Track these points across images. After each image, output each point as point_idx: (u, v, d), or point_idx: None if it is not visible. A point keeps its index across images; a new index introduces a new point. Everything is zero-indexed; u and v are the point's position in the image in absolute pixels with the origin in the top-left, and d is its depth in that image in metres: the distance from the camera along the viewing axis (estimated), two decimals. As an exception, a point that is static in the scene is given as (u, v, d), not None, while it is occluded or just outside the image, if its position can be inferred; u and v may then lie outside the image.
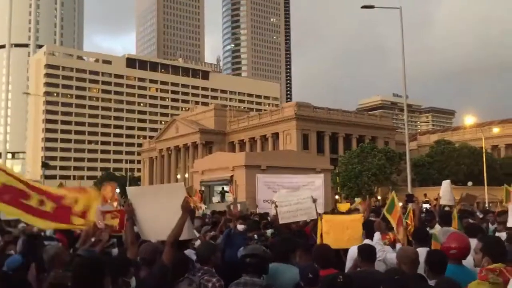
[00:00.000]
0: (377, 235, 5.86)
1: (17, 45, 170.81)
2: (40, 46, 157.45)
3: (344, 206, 17.07)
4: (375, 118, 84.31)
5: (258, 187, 11.59)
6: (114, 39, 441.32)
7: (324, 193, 11.55)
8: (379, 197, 27.89)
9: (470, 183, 46.38)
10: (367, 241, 5.83)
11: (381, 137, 78.66)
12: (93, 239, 6.09)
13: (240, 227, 8.66)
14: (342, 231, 6.08)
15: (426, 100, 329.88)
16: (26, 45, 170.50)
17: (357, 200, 24.34)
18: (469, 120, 60.45)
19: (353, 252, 5.64)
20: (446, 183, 13.39)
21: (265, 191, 10.75)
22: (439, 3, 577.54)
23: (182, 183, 7.30)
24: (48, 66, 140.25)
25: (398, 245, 6.15)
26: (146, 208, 4.92)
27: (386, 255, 5.51)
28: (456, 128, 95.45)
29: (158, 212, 4.79)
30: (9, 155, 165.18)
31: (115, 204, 16.15)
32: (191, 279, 4.29)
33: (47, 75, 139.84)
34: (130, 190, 5.30)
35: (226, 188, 55.81)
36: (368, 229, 6.10)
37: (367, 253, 4.87)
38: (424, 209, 10.54)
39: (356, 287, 3.65)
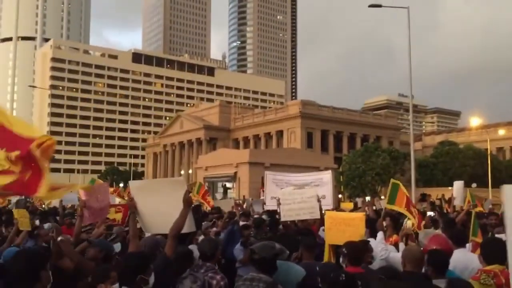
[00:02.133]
0: (380, 234, 5.84)
1: (23, 38, 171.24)
2: (46, 40, 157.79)
3: (347, 205, 17.04)
4: (380, 118, 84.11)
5: (266, 185, 11.53)
6: (121, 34, 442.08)
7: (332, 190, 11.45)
8: (382, 197, 27.71)
9: (474, 185, 46.10)
10: (370, 240, 5.82)
11: (386, 137, 78.47)
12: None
13: (242, 224, 8.64)
14: (343, 228, 6.06)
15: (432, 101, 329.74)
16: (33, 38, 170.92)
17: (359, 199, 24.22)
18: (475, 121, 60.22)
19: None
20: (458, 184, 13.35)
21: (274, 188, 10.65)
22: (446, 5, 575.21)
23: (182, 177, 7.31)
24: (54, 59, 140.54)
25: (401, 246, 6.13)
26: (148, 202, 4.94)
27: (389, 254, 5.49)
28: (461, 129, 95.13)
29: (160, 206, 4.81)
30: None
31: (117, 200, 16.25)
32: (195, 276, 4.24)
33: (53, 68, 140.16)
34: (132, 183, 5.33)
35: (228, 184, 56.05)
36: (372, 228, 6.08)
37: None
38: (429, 216, 10.41)
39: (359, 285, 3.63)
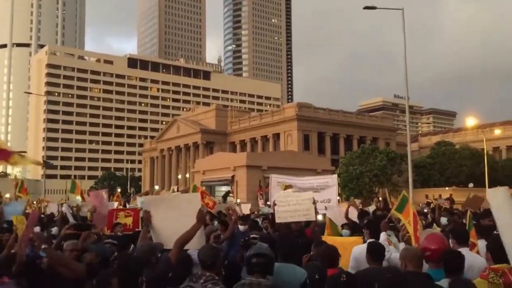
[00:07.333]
0: (382, 235, 5.84)
1: (18, 45, 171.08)
2: (41, 46, 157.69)
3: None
4: (376, 119, 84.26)
5: (271, 188, 11.42)
6: (116, 40, 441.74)
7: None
8: (380, 198, 27.79)
9: (471, 185, 46.26)
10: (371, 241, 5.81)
11: (382, 138, 78.62)
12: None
13: (241, 227, 8.64)
14: (342, 253, 6.04)
15: (428, 102, 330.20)
16: (28, 45, 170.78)
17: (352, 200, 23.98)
18: (471, 121, 60.33)
19: (357, 252, 5.63)
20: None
21: (278, 191, 10.55)
22: (445, 10, 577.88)
23: (198, 194, 7.45)
24: (49, 65, 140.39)
25: (401, 245, 6.12)
26: (162, 217, 5.08)
27: (391, 255, 5.51)
28: (457, 129, 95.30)
29: (173, 221, 4.92)
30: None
31: (115, 204, 16.23)
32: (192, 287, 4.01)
33: (48, 74, 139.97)
34: (146, 199, 5.58)
35: (225, 188, 56.28)
36: (373, 229, 6.08)
37: (375, 251, 4.86)
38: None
39: (362, 284, 3.63)
